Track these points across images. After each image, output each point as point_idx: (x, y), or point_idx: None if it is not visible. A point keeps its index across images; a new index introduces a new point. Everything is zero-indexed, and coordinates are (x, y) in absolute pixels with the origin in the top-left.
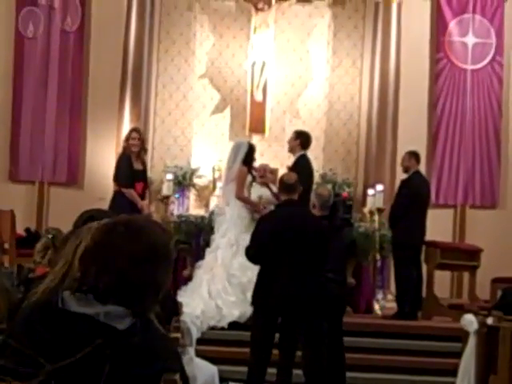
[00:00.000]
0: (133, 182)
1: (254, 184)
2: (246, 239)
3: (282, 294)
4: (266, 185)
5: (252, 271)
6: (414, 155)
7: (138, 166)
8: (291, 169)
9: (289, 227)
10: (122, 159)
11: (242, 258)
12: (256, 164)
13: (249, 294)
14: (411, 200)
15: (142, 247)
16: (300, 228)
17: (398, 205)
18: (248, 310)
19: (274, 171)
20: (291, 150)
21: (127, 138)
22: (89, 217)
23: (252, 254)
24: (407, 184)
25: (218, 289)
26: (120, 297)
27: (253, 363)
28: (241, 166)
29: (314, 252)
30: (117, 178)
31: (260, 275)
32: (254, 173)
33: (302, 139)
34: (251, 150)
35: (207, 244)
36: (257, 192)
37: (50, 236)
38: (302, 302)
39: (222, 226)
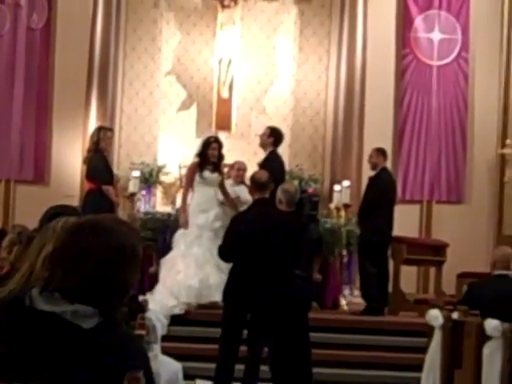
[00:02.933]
0: (111, 180)
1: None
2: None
3: (254, 292)
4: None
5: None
6: (381, 152)
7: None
8: (262, 165)
9: (262, 226)
10: (98, 157)
11: (199, 250)
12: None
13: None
14: (380, 197)
15: (110, 249)
16: (273, 227)
17: (368, 202)
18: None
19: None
20: (262, 146)
21: (102, 138)
22: (54, 213)
23: (225, 252)
24: (375, 181)
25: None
26: (87, 298)
27: (222, 358)
28: (193, 159)
29: (286, 251)
30: (95, 175)
31: (232, 273)
32: (228, 171)
33: (275, 137)
34: (206, 142)
35: None
36: (232, 192)
37: (16, 232)
38: (274, 301)
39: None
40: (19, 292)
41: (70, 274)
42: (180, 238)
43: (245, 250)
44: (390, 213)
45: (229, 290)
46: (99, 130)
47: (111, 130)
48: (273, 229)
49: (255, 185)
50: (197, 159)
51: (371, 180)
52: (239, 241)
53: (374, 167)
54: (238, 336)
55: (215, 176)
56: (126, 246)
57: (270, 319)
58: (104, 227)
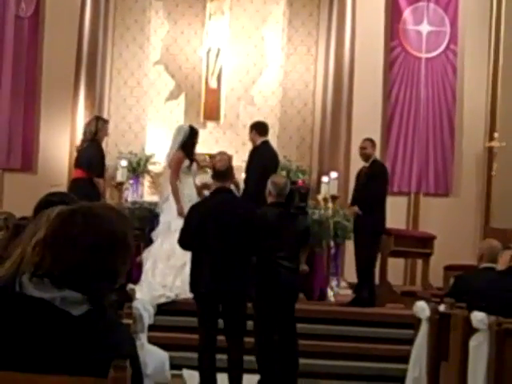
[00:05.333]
0: (103, 173)
1: (192, 169)
2: (177, 224)
3: (213, 280)
4: None
5: (175, 259)
6: (373, 142)
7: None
8: (250, 154)
9: (219, 214)
10: (97, 149)
11: (168, 246)
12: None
13: (169, 280)
14: (385, 187)
15: (100, 237)
16: (230, 215)
17: (377, 193)
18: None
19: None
20: (253, 143)
21: (100, 129)
22: (51, 201)
23: (183, 240)
24: (382, 171)
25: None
26: (76, 284)
27: (201, 349)
28: (177, 150)
29: (243, 239)
30: (91, 166)
31: (192, 262)
32: (206, 161)
33: (256, 128)
34: (191, 133)
35: None
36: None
37: (1, 218)
38: (233, 287)
39: (161, 212)
40: (9, 278)
41: (60, 260)
42: (169, 230)
43: (201, 238)
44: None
45: (192, 280)
46: (97, 119)
47: (108, 121)
48: (228, 217)
49: (216, 174)
50: (181, 150)
51: (380, 170)
52: (195, 228)
53: (367, 158)
54: (212, 324)
55: (195, 166)
56: (117, 233)
57: (238, 308)
58: (96, 214)
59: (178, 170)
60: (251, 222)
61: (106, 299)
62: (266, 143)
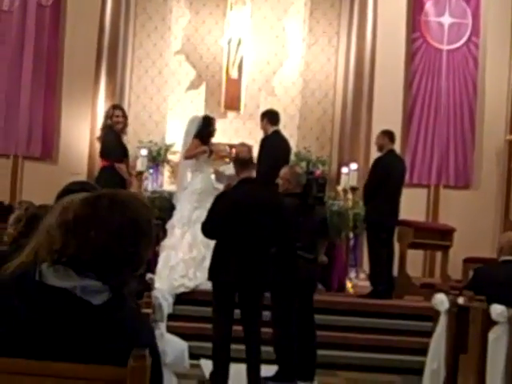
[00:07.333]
0: (123, 157)
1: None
2: (197, 215)
3: (238, 269)
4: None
5: (197, 250)
6: (387, 134)
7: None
8: (262, 145)
9: (247, 203)
10: (110, 135)
11: (190, 237)
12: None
13: (191, 271)
14: (383, 179)
15: (125, 222)
16: (257, 204)
17: (370, 183)
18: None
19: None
20: (264, 131)
21: (110, 115)
22: (70, 190)
23: (208, 229)
24: (380, 163)
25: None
26: (99, 270)
27: (216, 339)
28: (192, 139)
29: (270, 228)
30: (108, 153)
31: (216, 251)
32: (226, 151)
33: (267, 117)
34: (206, 123)
35: None
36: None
37: (23, 208)
38: (258, 277)
39: (178, 202)
40: (29, 266)
41: (84, 245)
42: (190, 221)
43: (227, 226)
44: (395, 195)
45: (214, 268)
46: (110, 107)
47: (119, 108)
48: (256, 206)
49: (239, 163)
50: (197, 139)
51: (375, 162)
52: (222, 217)
53: (380, 149)
54: (228, 314)
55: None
56: (141, 220)
57: (254, 296)
58: (120, 200)
59: (193, 151)
60: (280, 210)
61: (127, 288)
62: (278, 133)
